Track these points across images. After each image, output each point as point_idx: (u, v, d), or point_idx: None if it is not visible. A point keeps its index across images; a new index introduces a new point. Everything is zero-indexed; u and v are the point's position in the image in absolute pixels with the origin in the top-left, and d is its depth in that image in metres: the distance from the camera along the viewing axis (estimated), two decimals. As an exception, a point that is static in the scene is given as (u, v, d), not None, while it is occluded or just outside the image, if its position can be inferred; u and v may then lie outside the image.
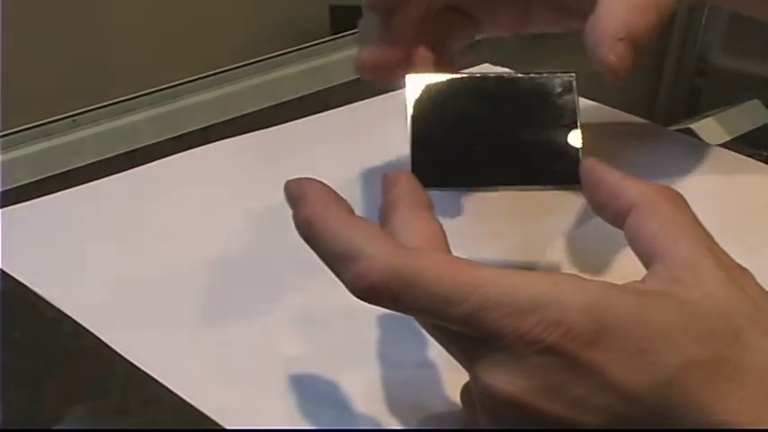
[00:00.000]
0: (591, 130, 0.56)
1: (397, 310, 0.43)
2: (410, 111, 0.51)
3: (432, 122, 0.51)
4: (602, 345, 0.40)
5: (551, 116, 0.52)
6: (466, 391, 0.46)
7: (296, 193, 0.45)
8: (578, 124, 0.51)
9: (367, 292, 0.42)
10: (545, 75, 0.53)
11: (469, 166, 0.51)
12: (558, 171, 0.50)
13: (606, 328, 0.40)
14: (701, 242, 0.43)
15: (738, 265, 0.44)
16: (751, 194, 0.63)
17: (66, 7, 1.59)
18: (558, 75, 0.52)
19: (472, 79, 0.53)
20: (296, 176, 0.46)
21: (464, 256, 0.43)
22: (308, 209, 0.44)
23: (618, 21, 0.53)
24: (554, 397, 0.41)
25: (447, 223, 0.46)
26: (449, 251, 0.45)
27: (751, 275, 0.44)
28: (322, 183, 0.46)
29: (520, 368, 0.41)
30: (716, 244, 0.44)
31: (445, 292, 0.41)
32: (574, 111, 0.51)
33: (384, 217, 0.46)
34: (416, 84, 0.52)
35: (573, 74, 0.52)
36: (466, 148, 0.51)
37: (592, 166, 0.48)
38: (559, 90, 0.52)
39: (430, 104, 0.52)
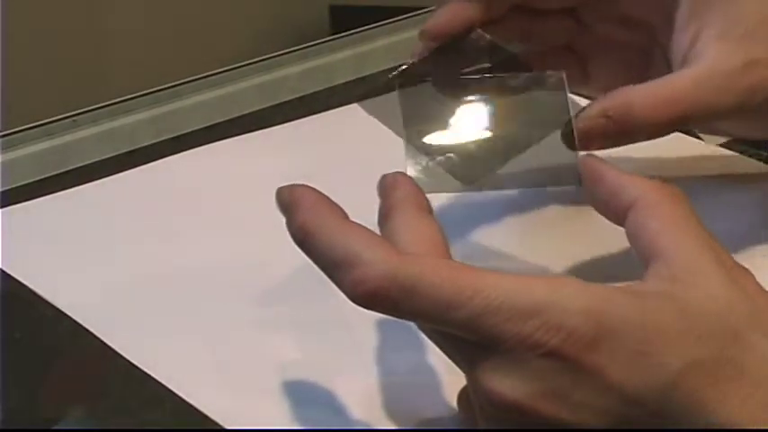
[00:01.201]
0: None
1: (396, 316, 0.42)
2: (404, 113, 0.51)
3: (426, 125, 0.51)
4: (603, 348, 0.40)
5: (545, 114, 0.51)
6: (463, 395, 0.46)
7: (288, 199, 0.45)
8: (572, 121, 0.51)
9: (366, 298, 0.42)
10: (536, 72, 0.52)
11: (465, 169, 0.51)
12: (556, 170, 0.50)
13: (607, 331, 0.40)
14: (701, 241, 0.43)
15: (738, 264, 0.44)
16: (751, 194, 0.63)
17: (65, 7, 1.59)
18: (549, 72, 0.52)
19: (465, 79, 0.53)
20: (295, 178, 0.46)
21: (462, 260, 0.43)
22: (303, 215, 0.44)
23: (619, 99, 0.52)
24: (556, 401, 0.41)
25: (444, 227, 0.46)
26: (449, 254, 0.44)
27: (751, 275, 0.44)
28: (314, 189, 0.45)
29: (521, 373, 0.41)
30: (716, 242, 0.44)
31: (445, 298, 0.41)
32: (567, 108, 0.51)
33: (384, 219, 0.46)
34: (409, 85, 0.52)
35: (563, 72, 0.52)
36: (461, 150, 0.51)
37: (591, 164, 0.47)
38: (551, 87, 0.52)
39: (423, 106, 0.51)
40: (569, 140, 0.50)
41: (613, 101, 0.52)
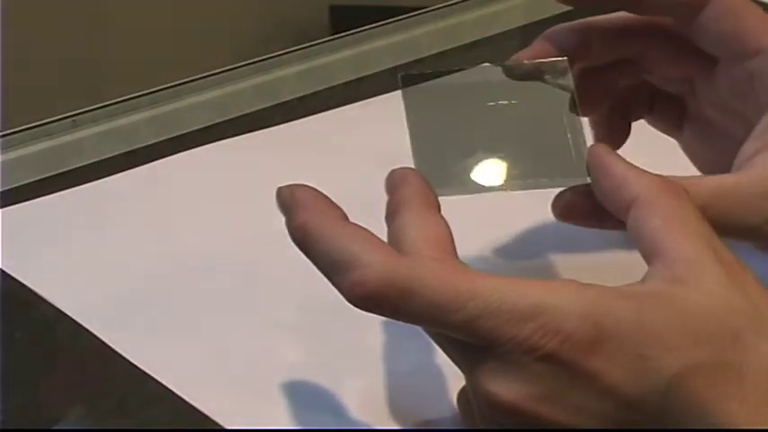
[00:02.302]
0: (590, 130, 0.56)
1: (394, 318, 0.42)
2: (408, 111, 0.51)
3: (431, 121, 0.51)
4: (601, 351, 0.40)
5: (551, 106, 0.51)
6: (462, 395, 0.46)
7: (288, 199, 0.45)
8: (579, 112, 0.51)
9: (363, 300, 0.42)
10: (539, 62, 0.52)
11: (476, 165, 0.50)
12: (564, 164, 0.50)
13: (605, 334, 0.40)
14: (702, 240, 0.43)
15: (739, 261, 0.43)
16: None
17: (65, 7, 1.59)
18: (552, 61, 0.52)
19: (467, 73, 0.53)
20: (295, 178, 0.46)
21: (465, 260, 0.43)
22: (302, 216, 0.44)
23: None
24: (553, 404, 0.41)
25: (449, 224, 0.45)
26: (455, 253, 0.44)
27: (752, 273, 0.43)
28: (315, 189, 0.45)
29: (519, 375, 0.41)
30: (718, 240, 0.44)
31: (443, 300, 0.41)
32: (573, 98, 0.51)
33: (391, 216, 0.46)
34: (412, 82, 0.52)
35: (565, 58, 0.52)
36: (467, 146, 0.51)
37: (598, 154, 0.47)
38: (555, 77, 0.51)
39: (428, 103, 0.51)
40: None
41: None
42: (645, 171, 0.46)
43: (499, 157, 0.50)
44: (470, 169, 0.50)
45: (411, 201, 0.46)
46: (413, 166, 0.48)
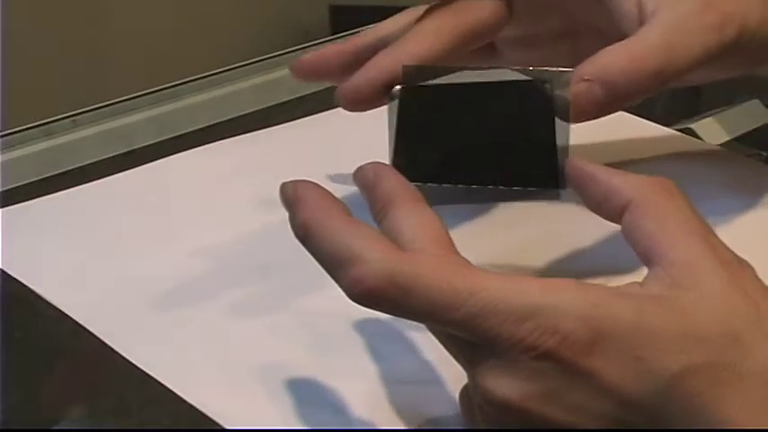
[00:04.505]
0: (590, 130, 0.56)
1: (394, 315, 0.43)
2: (397, 101, 0.51)
3: (418, 115, 0.51)
4: (599, 351, 0.40)
5: (544, 113, 0.51)
6: (464, 393, 0.46)
7: (292, 195, 0.45)
8: (570, 122, 0.51)
9: (363, 296, 0.42)
10: (541, 69, 0.52)
11: (453, 162, 0.50)
12: (544, 173, 0.50)
13: (603, 334, 0.40)
14: (699, 238, 0.43)
15: (738, 259, 0.43)
16: (751, 194, 0.63)
17: (66, 7, 1.59)
18: (555, 70, 0.52)
19: (467, 72, 0.52)
20: (295, 177, 0.46)
21: (462, 256, 0.43)
22: (306, 212, 0.44)
23: (596, 62, 0.51)
24: (551, 402, 0.41)
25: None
26: (454, 247, 0.44)
27: (751, 270, 0.43)
28: (318, 185, 0.45)
29: (517, 374, 0.41)
30: (715, 236, 0.44)
31: (442, 298, 0.41)
32: (567, 108, 0.51)
33: (381, 214, 0.46)
34: (411, 73, 0.52)
35: (571, 70, 0.52)
36: (451, 143, 0.51)
37: (578, 166, 0.47)
38: (554, 85, 0.51)
39: (419, 95, 0.51)
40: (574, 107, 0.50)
41: (591, 65, 0.52)
42: (628, 173, 0.46)
43: (481, 156, 0.50)
44: (448, 162, 0.50)
45: (399, 196, 0.46)
46: (388, 156, 0.48)
